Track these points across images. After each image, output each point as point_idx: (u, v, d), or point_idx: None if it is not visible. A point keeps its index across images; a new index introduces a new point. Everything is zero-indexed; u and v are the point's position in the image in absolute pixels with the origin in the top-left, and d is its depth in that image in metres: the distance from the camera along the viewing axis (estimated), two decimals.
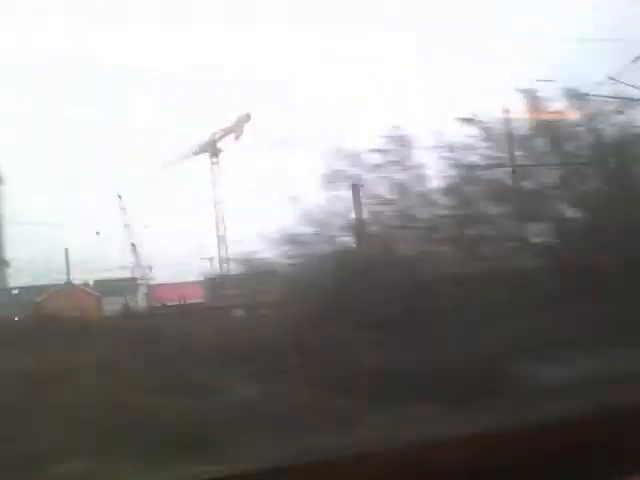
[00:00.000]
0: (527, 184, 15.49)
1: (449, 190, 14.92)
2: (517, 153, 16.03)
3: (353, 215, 15.88)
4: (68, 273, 34.42)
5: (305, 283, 14.28)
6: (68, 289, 34.07)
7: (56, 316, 26.00)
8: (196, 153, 35.82)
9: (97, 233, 32.67)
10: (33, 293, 35.51)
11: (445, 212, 14.57)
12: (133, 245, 36.40)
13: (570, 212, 14.99)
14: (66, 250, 33.34)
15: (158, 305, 30.88)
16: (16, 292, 37.66)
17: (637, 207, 12.99)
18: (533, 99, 16.03)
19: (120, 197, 38.60)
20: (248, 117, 34.20)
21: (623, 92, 16.21)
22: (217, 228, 38.17)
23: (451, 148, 14.88)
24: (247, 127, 35.13)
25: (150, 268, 36.91)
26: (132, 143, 38.30)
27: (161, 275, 36.69)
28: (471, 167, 14.82)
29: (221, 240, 38.03)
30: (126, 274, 37.40)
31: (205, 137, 36.11)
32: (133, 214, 37.01)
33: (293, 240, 13.98)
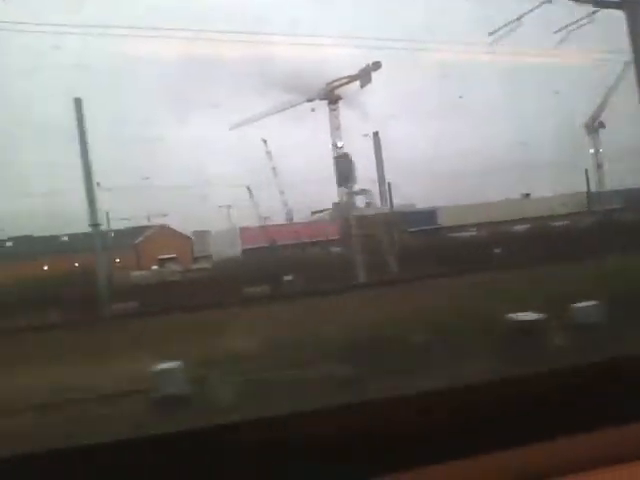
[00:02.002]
0: None
1: None
2: None
3: None
4: None
5: None
6: (163, 231, 35.56)
7: None
8: (310, 99, 35.92)
9: (146, 178, 33.83)
10: (129, 235, 37.20)
11: None
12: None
13: None
14: None
15: None
16: (112, 234, 39.28)
17: None
18: None
19: (265, 141, 39.85)
20: (378, 65, 33.68)
21: None
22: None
23: None
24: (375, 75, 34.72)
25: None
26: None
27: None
28: None
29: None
30: None
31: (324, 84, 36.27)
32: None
33: None
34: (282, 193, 39.61)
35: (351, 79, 35.36)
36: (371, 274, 19.44)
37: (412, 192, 40.83)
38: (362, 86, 35.48)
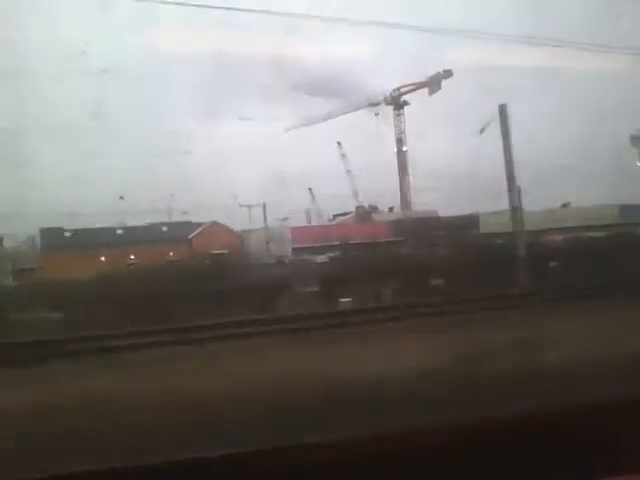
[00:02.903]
0: None
1: None
2: None
3: None
4: None
5: None
6: (215, 228, 37.13)
7: None
8: (373, 104, 37.19)
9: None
10: (182, 230, 38.84)
11: None
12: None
13: None
14: None
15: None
16: (165, 229, 40.97)
17: None
18: None
19: (339, 144, 41.46)
20: (449, 73, 34.42)
21: None
22: (399, 174, 40.51)
23: None
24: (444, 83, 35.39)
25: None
26: None
27: None
28: None
29: (403, 186, 40.15)
30: None
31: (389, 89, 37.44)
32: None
33: None
34: (356, 194, 41.22)
35: (419, 86, 36.16)
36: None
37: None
38: (430, 93, 36.23)
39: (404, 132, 39.09)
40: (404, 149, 38.41)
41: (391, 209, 44.23)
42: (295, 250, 33.39)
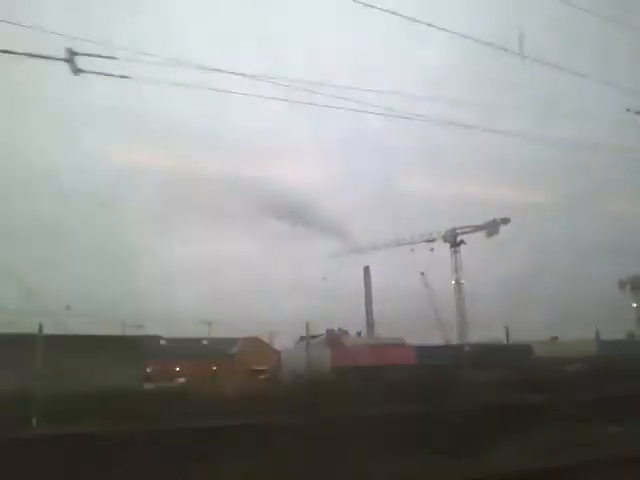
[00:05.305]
0: None
1: None
2: None
3: None
4: None
5: None
6: (255, 343, 39.88)
7: None
8: (430, 240, 41.86)
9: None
10: (222, 344, 41.74)
11: None
12: None
13: None
14: None
15: None
16: (205, 343, 44.03)
17: None
18: None
19: (423, 274, 45.06)
20: (507, 221, 39.47)
21: None
22: (457, 308, 43.73)
23: None
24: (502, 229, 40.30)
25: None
26: None
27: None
28: None
29: (461, 319, 43.14)
30: None
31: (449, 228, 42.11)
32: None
33: None
34: (436, 311, 45.22)
35: (477, 228, 40.84)
36: None
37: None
38: (488, 236, 40.76)
39: (461, 267, 43.46)
40: (462, 282, 42.53)
41: (359, 333, 47.38)
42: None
